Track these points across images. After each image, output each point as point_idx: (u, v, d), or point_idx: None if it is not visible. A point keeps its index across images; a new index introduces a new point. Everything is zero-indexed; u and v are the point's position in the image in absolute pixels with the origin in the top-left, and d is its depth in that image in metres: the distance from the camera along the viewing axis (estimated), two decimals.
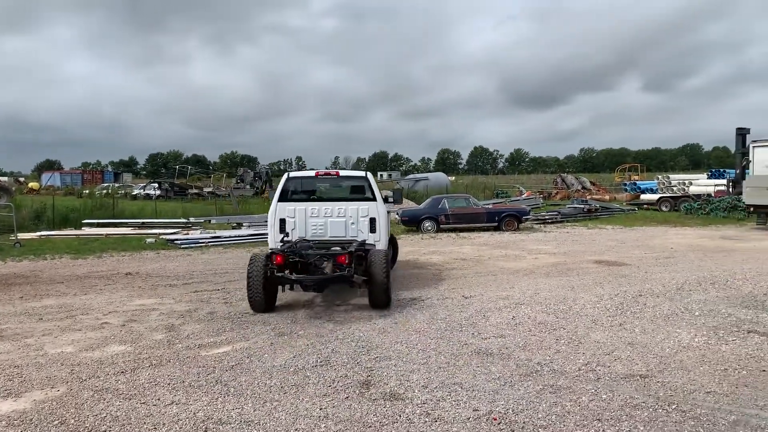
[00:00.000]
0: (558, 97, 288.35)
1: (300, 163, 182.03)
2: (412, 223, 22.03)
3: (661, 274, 11.61)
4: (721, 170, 39.45)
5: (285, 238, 10.24)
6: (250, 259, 8.84)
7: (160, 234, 19.83)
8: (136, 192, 51.38)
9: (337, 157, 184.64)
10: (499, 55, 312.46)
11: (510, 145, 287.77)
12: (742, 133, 28.00)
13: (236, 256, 15.62)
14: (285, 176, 11.21)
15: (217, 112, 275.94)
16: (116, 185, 63.59)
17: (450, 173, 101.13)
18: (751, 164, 21.77)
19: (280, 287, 8.79)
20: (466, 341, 6.97)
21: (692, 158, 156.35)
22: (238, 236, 19.28)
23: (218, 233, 19.78)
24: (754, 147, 21.73)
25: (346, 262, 8.51)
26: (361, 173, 11.14)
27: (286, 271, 8.73)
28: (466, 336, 7.20)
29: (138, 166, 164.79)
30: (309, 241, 10.10)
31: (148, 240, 18.61)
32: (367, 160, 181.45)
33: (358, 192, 10.91)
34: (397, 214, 23.13)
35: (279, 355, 6.56)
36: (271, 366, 6.20)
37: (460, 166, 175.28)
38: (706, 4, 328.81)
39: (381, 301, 8.75)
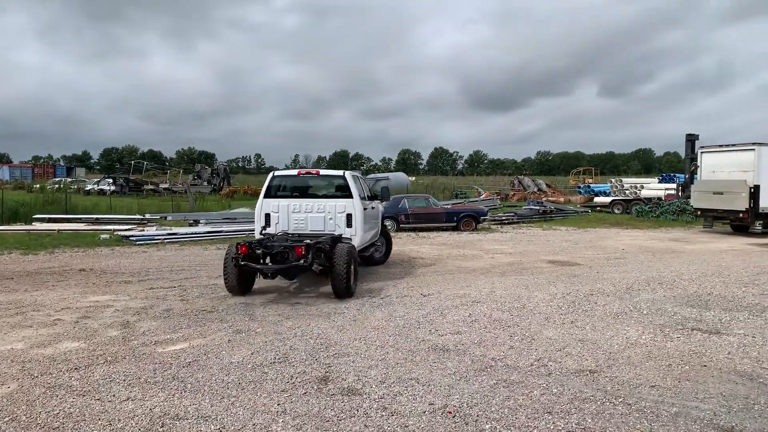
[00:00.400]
0: (517, 100, 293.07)
1: (259, 160, 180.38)
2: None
3: (612, 274, 11.97)
4: (672, 175, 40.67)
5: (264, 231, 11.17)
6: (227, 248, 9.87)
7: (114, 230, 19.45)
8: (89, 187, 50.20)
9: (297, 155, 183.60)
10: (460, 58, 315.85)
11: (469, 147, 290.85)
12: (691, 140, 28.99)
13: (193, 253, 15.45)
14: (271, 174, 12.01)
15: (175, 107, 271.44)
16: (69, 180, 61.84)
17: (410, 173, 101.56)
18: (699, 169, 22.53)
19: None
20: (423, 338, 7.09)
21: (644, 163, 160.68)
22: (195, 233, 19.05)
23: (175, 230, 19.51)
24: (702, 153, 22.49)
25: (302, 253, 9.25)
26: (340, 173, 11.76)
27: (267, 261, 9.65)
28: (423, 333, 7.32)
29: (92, 161, 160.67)
30: (289, 234, 10.78)
31: (103, 236, 18.23)
32: (327, 158, 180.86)
33: (337, 190, 11.55)
34: None
35: (237, 352, 6.56)
36: (229, 363, 6.20)
37: (421, 167, 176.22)
38: (662, 13, 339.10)
39: (341, 289, 9.45)
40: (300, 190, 11.87)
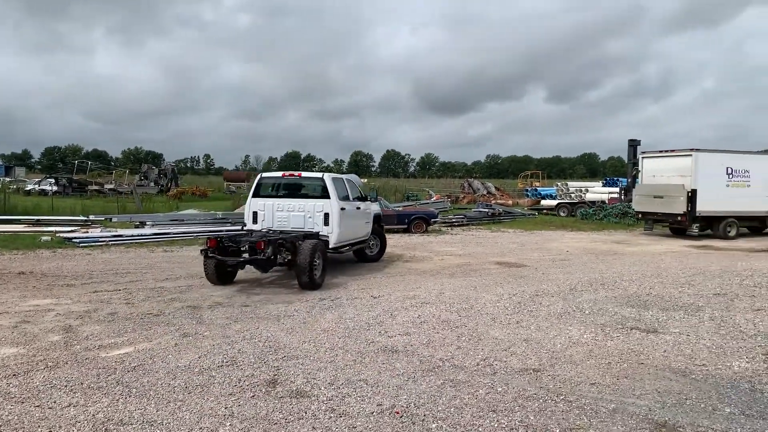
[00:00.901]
0: (469, 104, 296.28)
1: (208, 161, 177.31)
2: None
3: (556, 275, 12.30)
4: (615, 179, 42.01)
5: (244, 228, 12.44)
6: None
7: (56, 232, 18.84)
8: (30, 187, 48.35)
9: (247, 156, 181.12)
10: (413, 61, 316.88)
11: (421, 150, 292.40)
12: (633, 145, 30.01)
13: (139, 255, 15.12)
14: (259, 176, 13.24)
15: (121, 105, 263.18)
16: (8, 179, 59.51)
17: (363, 175, 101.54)
18: (640, 174, 23.34)
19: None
20: (372, 339, 7.15)
21: (590, 167, 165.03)
22: (141, 235, 18.63)
23: (120, 232, 19.03)
24: (643, 158, 23.31)
25: (261, 247, 10.20)
26: (319, 175, 12.63)
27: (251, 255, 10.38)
28: (373, 334, 7.38)
29: (32, 160, 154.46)
30: (271, 230, 11.86)
31: (44, 238, 17.63)
32: (279, 159, 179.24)
33: (316, 191, 12.44)
34: None
35: (183, 356, 6.48)
36: (175, 366, 6.12)
37: (373, 169, 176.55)
38: (608, 22, 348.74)
39: (303, 282, 10.51)
40: (284, 190, 12.82)
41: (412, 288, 10.75)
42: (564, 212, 32.25)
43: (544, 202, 36.58)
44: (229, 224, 22.30)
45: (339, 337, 7.26)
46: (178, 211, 28.96)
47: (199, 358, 6.42)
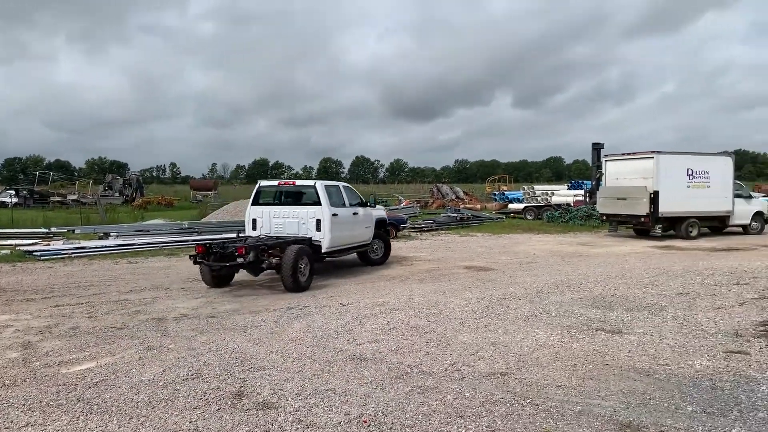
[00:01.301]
0: (437, 109, 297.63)
1: (175, 169, 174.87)
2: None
3: (524, 278, 12.41)
4: (580, 181, 42.58)
5: (240, 235, 13.30)
6: None
7: (16, 245, 18.36)
8: None
9: (214, 164, 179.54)
10: (382, 67, 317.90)
11: (390, 155, 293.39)
12: (597, 148, 30.52)
13: (102, 267, 14.81)
14: (257, 185, 13.84)
15: (85, 114, 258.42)
16: None
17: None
18: (603, 177, 23.73)
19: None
20: (341, 348, 7.10)
21: (555, 170, 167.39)
22: (105, 247, 18.25)
23: (83, 244, 18.61)
24: (606, 161, 23.71)
25: (243, 252, 10.84)
26: (311, 183, 13.19)
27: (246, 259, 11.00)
28: (341, 342, 7.34)
29: None
30: (265, 236, 12.55)
31: (2, 251, 17.16)
32: (246, 167, 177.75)
33: (309, 198, 12.95)
34: None
35: (147, 370, 6.35)
36: (139, 381, 5.99)
37: (343, 175, 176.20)
38: (571, 28, 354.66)
39: (287, 284, 11.12)
40: (280, 198, 13.55)
41: (382, 294, 10.73)
42: (531, 215, 32.59)
43: (512, 206, 36.92)
44: (195, 234, 21.99)
45: (307, 346, 7.20)
46: (144, 221, 28.48)
47: (164, 371, 6.30)
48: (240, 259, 10.91)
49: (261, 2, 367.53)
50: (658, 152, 21.15)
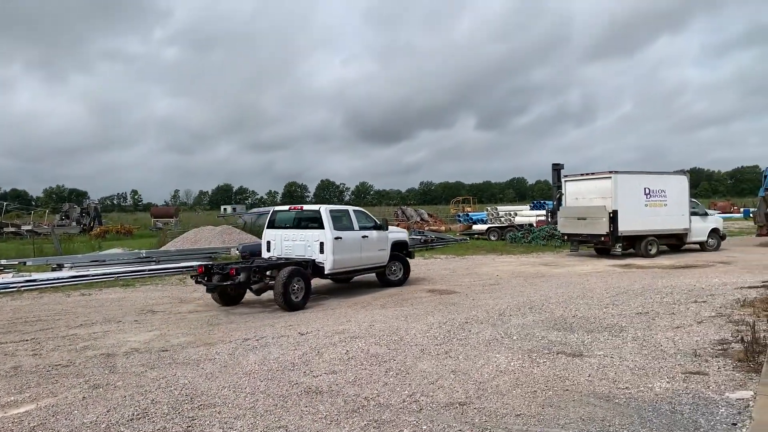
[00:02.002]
0: (402, 132, 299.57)
1: (136, 197, 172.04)
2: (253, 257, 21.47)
3: (486, 300, 12.33)
4: (542, 202, 43.06)
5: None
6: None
7: None
8: None
9: (177, 191, 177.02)
10: (346, 90, 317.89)
11: (356, 178, 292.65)
12: (557, 168, 30.92)
13: (53, 301, 14.24)
14: (272, 210, 15.20)
15: (43, 142, 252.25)
16: None
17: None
18: (563, 197, 23.99)
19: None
20: (297, 380, 6.86)
21: (518, 191, 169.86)
22: (57, 279, 17.61)
23: (34, 276, 17.94)
24: (565, 181, 23.99)
25: (234, 273, 11.92)
26: (316, 208, 13.88)
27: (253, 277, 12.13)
28: (297, 375, 7.09)
29: None
30: (276, 258, 13.65)
31: None
32: (210, 193, 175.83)
33: (314, 222, 13.66)
34: (238, 249, 22.48)
35: (91, 411, 6.02)
36: (80, 423, 5.66)
37: (308, 199, 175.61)
38: (531, 51, 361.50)
39: (278, 303, 12.03)
40: (291, 222, 14.38)
41: (342, 322, 10.51)
42: (494, 236, 32.72)
43: (476, 227, 37.03)
44: (153, 263, 21.43)
45: (261, 380, 6.94)
46: (101, 251, 27.70)
47: (108, 411, 5.97)
48: (230, 280, 11.93)
49: (225, 26, 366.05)
50: (616, 172, 21.47)
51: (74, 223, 48.39)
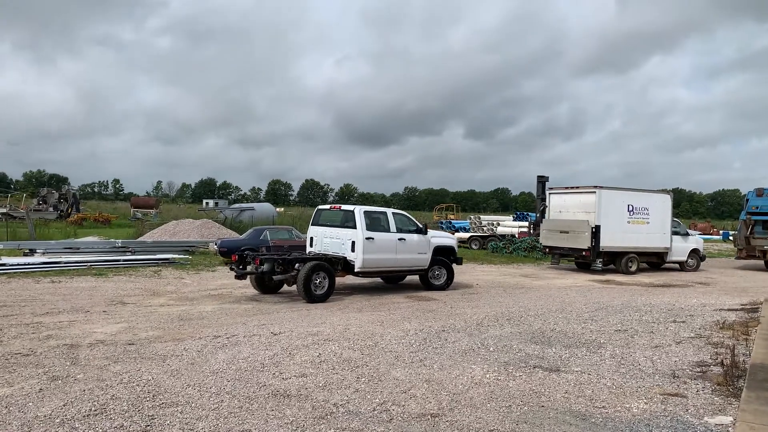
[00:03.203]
0: (390, 136, 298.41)
1: (117, 185, 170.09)
2: (231, 254, 21.08)
3: (464, 309, 12.16)
4: (525, 213, 43.13)
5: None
6: None
7: None
8: None
9: (159, 182, 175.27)
10: (336, 92, 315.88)
11: (341, 180, 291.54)
12: (542, 181, 30.92)
13: (21, 286, 13.85)
14: (317, 208, 16.04)
15: (26, 125, 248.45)
16: None
17: (280, 205, 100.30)
18: (547, 209, 23.94)
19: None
20: (265, 382, 6.62)
21: (502, 201, 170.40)
22: (28, 264, 17.18)
23: (4, 260, 17.49)
24: (550, 194, 23.94)
25: (258, 263, 12.96)
26: (351, 208, 14.36)
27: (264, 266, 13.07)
28: (266, 377, 6.85)
29: None
30: (316, 253, 14.50)
31: None
32: (193, 186, 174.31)
33: (348, 221, 14.19)
34: (216, 244, 22.14)
35: (46, 404, 5.73)
36: (34, 417, 5.38)
37: (291, 198, 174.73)
38: (523, 64, 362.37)
39: (300, 294, 12.77)
40: (330, 220, 14.98)
41: (317, 323, 10.27)
42: (476, 245, 32.63)
43: (458, 235, 36.85)
44: (129, 253, 21.03)
45: (228, 380, 6.68)
46: (77, 238, 27.20)
47: (65, 405, 5.70)
48: (257, 269, 12.96)
49: (220, 19, 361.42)
50: (600, 187, 21.45)
51: (51, 209, 47.64)
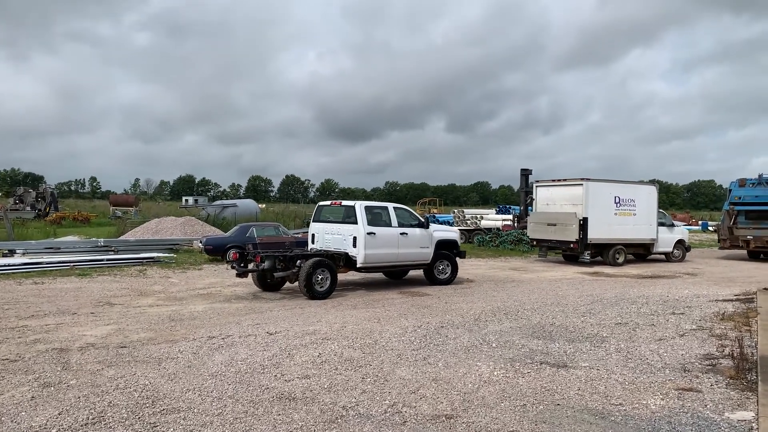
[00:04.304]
0: (371, 131, 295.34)
1: (94, 183, 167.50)
2: (217, 252, 20.78)
3: (459, 304, 12.01)
4: (508, 206, 43.10)
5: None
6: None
7: None
8: None
9: (137, 180, 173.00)
10: (317, 86, 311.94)
11: (322, 175, 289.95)
12: (525, 174, 30.94)
13: (3, 288, 13.42)
14: (318, 204, 15.83)
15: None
16: None
17: (261, 201, 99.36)
18: (534, 202, 23.90)
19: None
20: (267, 385, 6.39)
21: (482, 194, 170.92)
22: (8, 265, 16.68)
23: None
24: (537, 186, 23.90)
25: (259, 261, 12.87)
26: (352, 203, 14.32)
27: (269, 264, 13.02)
28: (268, 379, 6.62)
29: None
30: (317, 250, 14.34)
31: None
32: (171, 183, 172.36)
33: (349, 217, 14.09)
34: (201, 242, 21.77)
35: (40, 413, 5.46)
36: (28, 427, 5.12)
37: (272, 194, 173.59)
38: (504, 57, 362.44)
39: (302, 290, 12.71)
40: (331, 216, 14.91)
41: (312, 322, 10.05)
42: (461, 239, 32.54)
43: None
44: (111, 252, 20.57)
45: (229, 383, 6.45)
46: (56, 237, 26.61)
47: (60, 414, 5.43)
48: (258, 267, 12.87)
49: (200, 14, 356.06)
50: (588, 179, 21.45)
51: (28, 208, 46.67)
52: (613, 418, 5.36)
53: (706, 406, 5.67)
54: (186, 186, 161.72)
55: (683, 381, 6.53)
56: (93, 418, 5.33)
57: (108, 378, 6.60)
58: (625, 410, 5.57)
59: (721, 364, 7.20)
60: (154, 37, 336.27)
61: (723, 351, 7.73)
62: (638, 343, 8.48)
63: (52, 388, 6.21)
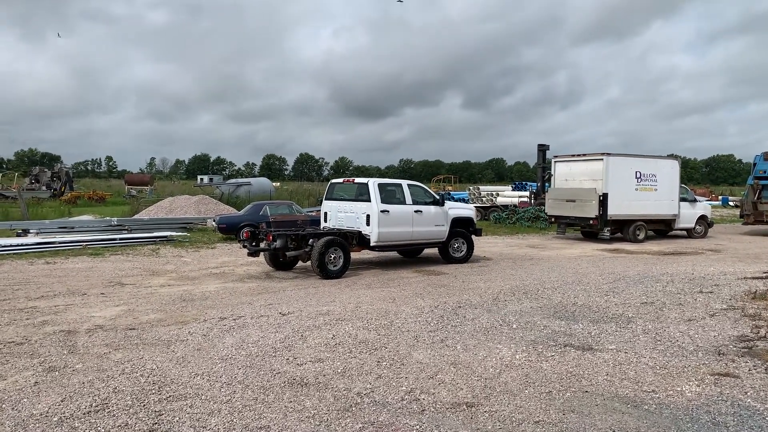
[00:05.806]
0: (387, 109, 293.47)
1: (111, 163, 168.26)
2: (231, 230, 20.54)
3: (477, 283, 11.68)
4: (524, 183, 42.54)
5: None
6: None
7: None
8: None
9: (153, 158, 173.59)
10: (332, 64, 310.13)
11: (336, 153, 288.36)
12: (542, 149, 30.30)
13: (15, 268, 13.28)
14: (330, 182, 15.53)
15: (17, 103, 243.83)
16: None
17: (275, 179, 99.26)
18: (552, 178, 23.37)
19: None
20: (279, 369, 6.12)
21: (497, 171, 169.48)
22: (21, 245, 16.58)
23: None
24: (555, 162, 23.34)
25: (270, 239, 12.67)
26: (365, 181, 13.93)
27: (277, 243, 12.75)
28: (279, 362, 6.36)
29: None
30: (330, 228, 14.03)
31: None
32: (186, 162, 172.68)
33: (362, 195, 13.76)
34: (214, 221, 21.55)
35: (43, 399, 5.23)
36: (29, 415, 4.89)
37: (286, 172, 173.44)
38: (522, 32, 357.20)
39: (314, 269, 12.44)
40: (344, 194, 14.61)
41: (326, 302, 9.77)
42: (477, 216, 32.12)
43: None
44: (125, 231, 20.43)
45: (239, 367, 6.18)
46: (71, 217, 26.58)
47: (63, 401, 5.20)
48: (270, 245, 12.69)
49: None
50: (608, 154, 20.89)
51: (44, 188, 46.80)
52: (646, 407, 5.01)
53: (746, 393, 5.30)
54: (201, 165, 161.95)
55: (719, 365, 6.16)
56: (96, 406, 5.09)
57: (115, 362, 6.37)
58: (659, 398, 5.22)
59: (757, 347, 6.81)
60: (168, 15, 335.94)
61: (758, 333, 7.34)
62: (666, 323, 8.10)
63: (57, 373, 5.99)
